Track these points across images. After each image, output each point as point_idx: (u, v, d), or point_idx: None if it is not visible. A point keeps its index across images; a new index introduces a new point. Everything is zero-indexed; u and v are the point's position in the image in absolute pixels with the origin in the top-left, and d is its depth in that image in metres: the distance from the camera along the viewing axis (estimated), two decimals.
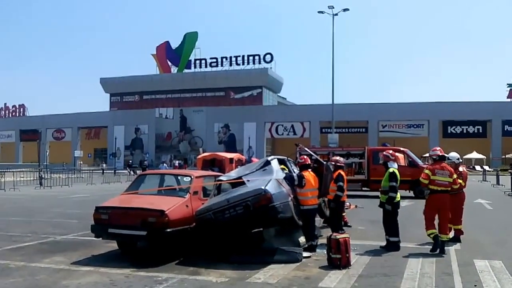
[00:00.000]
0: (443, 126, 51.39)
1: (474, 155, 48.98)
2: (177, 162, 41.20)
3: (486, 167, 41.38)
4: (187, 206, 7.04)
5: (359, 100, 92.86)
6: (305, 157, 7.94)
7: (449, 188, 7.72)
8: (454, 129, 51.46)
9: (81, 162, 55.06)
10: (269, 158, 8.22)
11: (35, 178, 26.09)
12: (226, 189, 7.70)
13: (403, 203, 12.33)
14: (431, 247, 7.47)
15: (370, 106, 52.24)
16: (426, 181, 7.64)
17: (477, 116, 49.90)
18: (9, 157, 63.39)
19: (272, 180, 7.08)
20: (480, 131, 51.10)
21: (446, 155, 8.22)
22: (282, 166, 8.22)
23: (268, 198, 6.61)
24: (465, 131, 51.34)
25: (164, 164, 37.54)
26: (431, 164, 8.03)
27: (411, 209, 12.88)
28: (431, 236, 7.52)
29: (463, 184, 8.43)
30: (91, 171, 32.07)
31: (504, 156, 49.01)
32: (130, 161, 49.60)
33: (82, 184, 25.97)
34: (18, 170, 28.28)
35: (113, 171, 37.98)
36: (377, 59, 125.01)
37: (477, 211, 13.23)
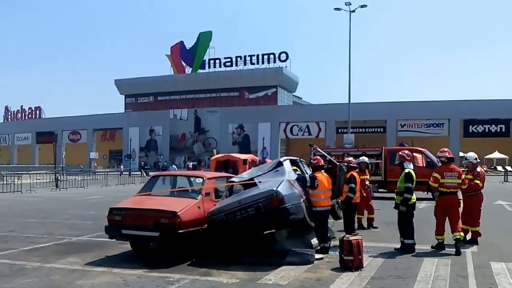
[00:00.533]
0: (464, 125, 49.95)
1: (496, 155, 47.70)
2: (191, 163, 41.46)
3: (508, 167, 40.17)
4: (199, 207, 7.08)
5: (377, 99, 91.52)
6: (318, 158, 7.88)
7: (458, 189, 7.75)
8: (475, 128, 49.96)
9: (96, 164, 55.72)
10: (281, 159, 8.19)
11: (51, 180, 26.50)
12: (238, 191, 7.71)
13: (421, 205, 12.12)
14: (444, 249, 7.49)
15: (388, 105, 51.07)
16: (436, 185, 7.69)
17: (500, 115, 48.23)
18: (25, 159, 64.46)
19: (284, 181, 7.05)
20: (503, 130, 49.58)
21: (464, 154, 8.17)
22: (295, 167, 8.17)
23: (280, 200, 6.58)
24: (487, 130, 49.77)
25: (174, 166, 37.62)
26: (440, 167, 8.00)
27: (428, 211, 12.51)
28: (439, 240, 7.63)
29: (480, 185, 8.24)
30: (106, 173, 32.45)
31: None
32: (143, 163, 50.12)
33: (97, 186, 26.29)
34: (34, 172, 28.80)
35: (128, 173, 38.37)
36: (395, 56, 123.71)
37: (497, 212, 12.97)
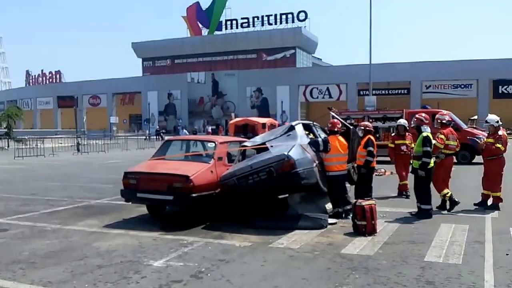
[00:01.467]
0: (493, 86, 47.15)
1: None
2: (210, 127, 41.67)
3: None
4: (211, 171, 7.08)
5: (400, 60, 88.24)
6: (334, 121, 7.71)
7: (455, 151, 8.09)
8: (506, 89, 46.97)
9: (115, 128, 56.34)
10: (293, 123, 8.05)
11: (73, 144, 27.02)
12: (251, 155, 7.66)
13: None
14: (461, 213, 7.46)
15: (412, 65, 48.71)
16: (442, 146, 7.79)
17: None
18: (48, 124, 65.62)
19: (296, 145, 6.94)
20: None
21: (490, 118, 8.18)
22: (308, 132, 8.02)
23: (291, 164, 6.50)
24: None
25: (185, 130, 37.43)
26: (443, 129, 8.01)
27: (451, 176, 12.21)
28: (448, 196, 7.76)
29: (502, 148, 7.97)
30: (126, 137, 32.86)
31: None
32: (158, 127, 50.53)
33: (117, 150, 26.71)
34: (57, 136, 29.42)
35: (147, 137, 38.84)
36: (420, 13, 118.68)
37: None
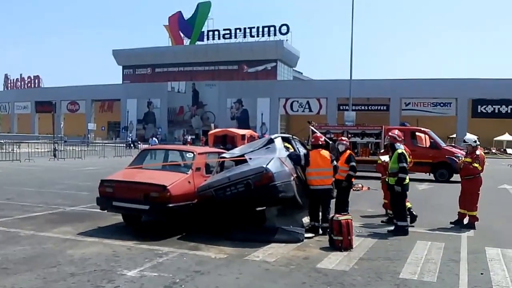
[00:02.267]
0: (472, 105, 48.01)
1: (506, 137, 45.87)
2: (189, 137, 41.30)
3: None
4: (189, 182, 7.02)
5: (381, 76, 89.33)
6: (317, 135, 7.73)
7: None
8: (484, 108, 47.90)
9: (91, 135, 55.43)
10: (273, 136, 8.08)
11: (49, 149, 26.46)
12: (229, 167, 7.63)
13: (421, 186, 11.78)
14: (437, 231, 7.58)
15: (392, 82, 49.36)
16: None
17: (511, 95, 46.12)
18: (25, 129, 64.18)
19: (274, 158, 6.95)
20: None
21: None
22: (287, 145, 8.05)
23: (269, 177, 6.50)
24: (496, 111, 47.09)
25: (155, 139, 36.56)
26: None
27: (428, 193, 12.29)
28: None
29: (479, 168, 8.05)
30: (103, 144, 32.36)
31: None
32: (130, 135, 49.94)
33: (95, 157, 26.29)
34: (33, 141, 28.80)
35: (125, 145, 38.33)
36: (402, 31, 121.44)
37: (500, 197, 12.60)
